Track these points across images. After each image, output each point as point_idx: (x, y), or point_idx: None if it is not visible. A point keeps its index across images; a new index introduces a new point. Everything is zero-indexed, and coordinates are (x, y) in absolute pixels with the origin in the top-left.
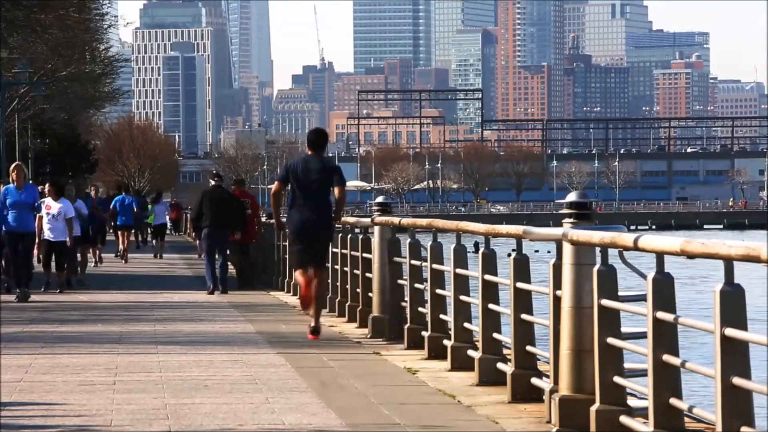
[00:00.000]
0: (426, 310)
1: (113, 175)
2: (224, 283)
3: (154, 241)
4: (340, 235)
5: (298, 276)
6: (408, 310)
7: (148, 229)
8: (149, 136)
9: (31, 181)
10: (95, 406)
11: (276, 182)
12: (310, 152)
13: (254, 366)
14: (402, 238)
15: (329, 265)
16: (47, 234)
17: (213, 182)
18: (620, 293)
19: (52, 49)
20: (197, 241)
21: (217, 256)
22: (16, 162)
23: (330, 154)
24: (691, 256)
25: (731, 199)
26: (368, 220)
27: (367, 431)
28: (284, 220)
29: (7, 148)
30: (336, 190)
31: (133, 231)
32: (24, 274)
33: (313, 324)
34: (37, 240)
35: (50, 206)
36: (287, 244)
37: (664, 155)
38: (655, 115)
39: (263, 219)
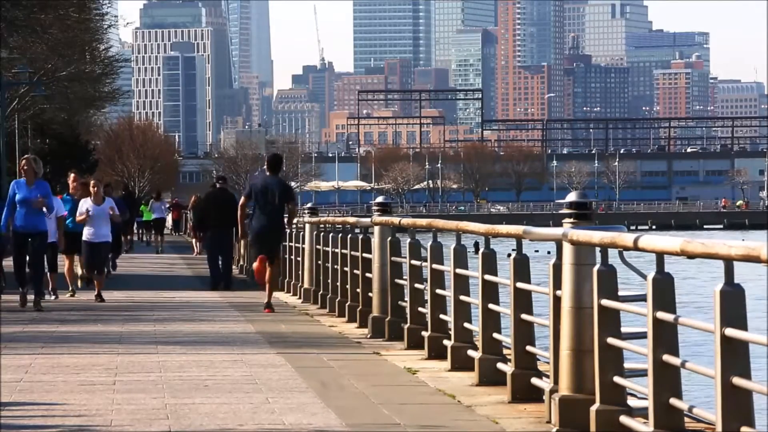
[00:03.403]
0: (426, 310)
1: (113, 176)
2: (228, 280)
3: (157, 237)
4: (340, 235)
5: (257, 261)
6: (408, 310)
7: (141, 229)
8: (149, 136)
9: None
10: (95, 406)
11: (243, 197)
12: (268, 173)
13: (254, 366)
14: (402, 238)
15: (328, 265)
16: None
17: (217, 185)
18: (620, 293)
19: (52, 49)
20: (194, 240)
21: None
22: (28, 155)
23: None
24: (691, 256)
25: (739, 200)
26: (368, 220)
27: (367, 431)
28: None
29: (7, 148)
30: (289, 205)
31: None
32: (33, 277)
33: (266, 300)
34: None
35: None
36: (250, 243)
37: (664, 155)
38: (655, 115)
39: None
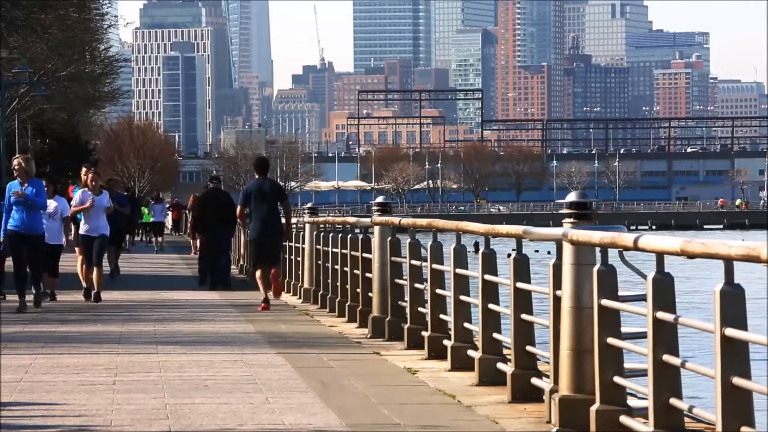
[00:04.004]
0: (426, 310)
1: (113, 175)
2: (226, 280)
3: (154, 239)
4: (340, 235)
5: (258, 273)
6: (408, 310)
7: (141, 230)
8: (149, 136)
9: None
10: (95, 406)
11: (239, 206)
12: (258, 176)
13: (254, 366)
14: (402, 238)
15: (329, 265)
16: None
17: (211, 185)
18: (620, 293)
19: (52, 49)
20: (192, 240)
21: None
22: (18, 155)
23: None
24: (691, 256)
25: (738, 200)
26: (368, 220)
27: (367, 431)
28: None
29: (7, 148)
30: (283, 204)
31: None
32: (28, 281)
33: (264, 296)
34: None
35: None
36: (252, 244)
37: (664, 155)
38: (655, 115)
39: None
